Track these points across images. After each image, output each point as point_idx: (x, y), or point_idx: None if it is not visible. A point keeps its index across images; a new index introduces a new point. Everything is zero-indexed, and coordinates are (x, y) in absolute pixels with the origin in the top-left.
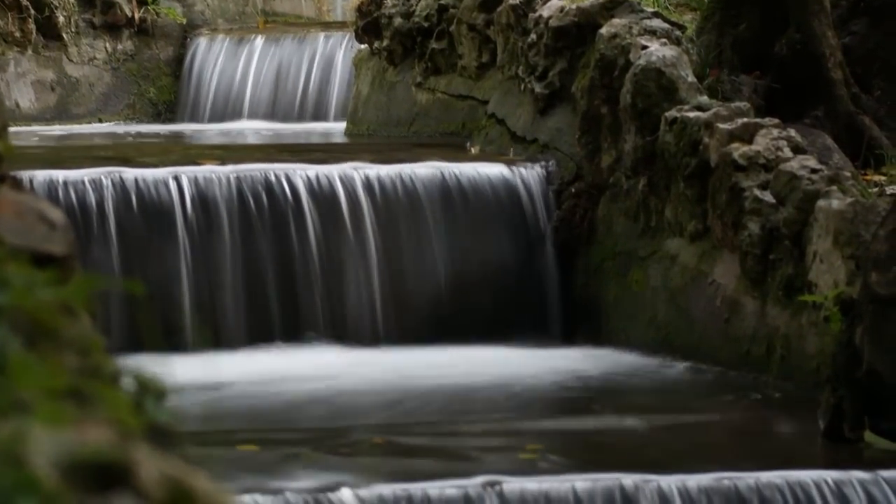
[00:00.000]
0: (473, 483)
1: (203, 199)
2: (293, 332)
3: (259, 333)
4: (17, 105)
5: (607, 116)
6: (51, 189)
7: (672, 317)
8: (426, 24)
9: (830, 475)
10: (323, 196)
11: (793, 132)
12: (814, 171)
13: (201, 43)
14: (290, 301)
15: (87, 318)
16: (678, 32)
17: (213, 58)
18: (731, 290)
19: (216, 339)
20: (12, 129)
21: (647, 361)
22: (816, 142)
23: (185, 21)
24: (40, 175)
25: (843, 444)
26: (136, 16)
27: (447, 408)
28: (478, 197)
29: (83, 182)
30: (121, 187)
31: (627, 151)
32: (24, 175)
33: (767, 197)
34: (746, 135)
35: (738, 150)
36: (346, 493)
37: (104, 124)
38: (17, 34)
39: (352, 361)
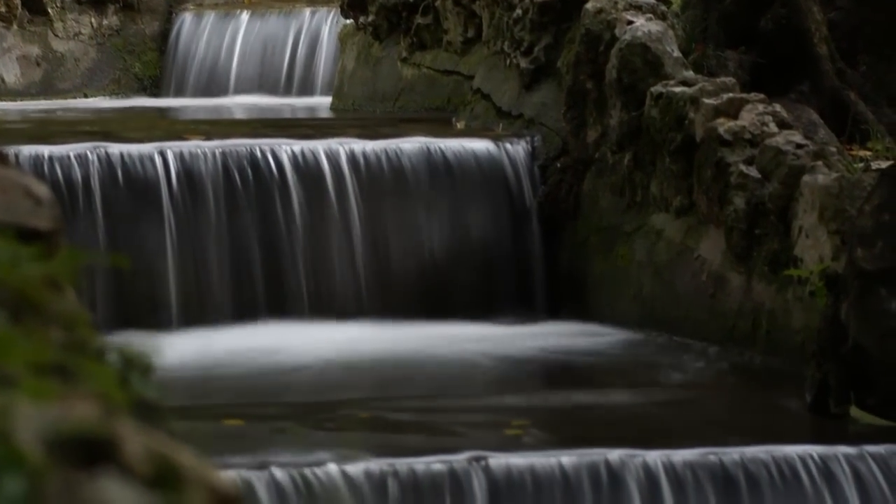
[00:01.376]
0: (459, 458)
1: (188, 174)
2: (278, 307)
3: (244, 309)
4: (3, 80)
5: (593, 91)
6: (36, 164)
7: (657, 292)
8: None
9: (816, 450)
10: (308, 171)
11: (778, 107)
12: (799, 146)
13: (187, 18)
14: (275, 276)
15: (72, 293)
16: (664, 7)
17: (198, 33)
18: (716, 265)
19: (202, 314)
20: None
21: (632, 336)
22: (802, 117)
23: None
24: (26, 150)
25: (828, 419)
26: None
27: (433, 383)
28: (463, 172)
29: (69, 157)
30: (106, 162)
31: (613, 126)
32: (10, 150)
33: (753, 172)
34: (732, 110)
35: (724, 126)
36: (332, 467)
37: (90, 99)
38: (3, 9)
39: (337, 337)
